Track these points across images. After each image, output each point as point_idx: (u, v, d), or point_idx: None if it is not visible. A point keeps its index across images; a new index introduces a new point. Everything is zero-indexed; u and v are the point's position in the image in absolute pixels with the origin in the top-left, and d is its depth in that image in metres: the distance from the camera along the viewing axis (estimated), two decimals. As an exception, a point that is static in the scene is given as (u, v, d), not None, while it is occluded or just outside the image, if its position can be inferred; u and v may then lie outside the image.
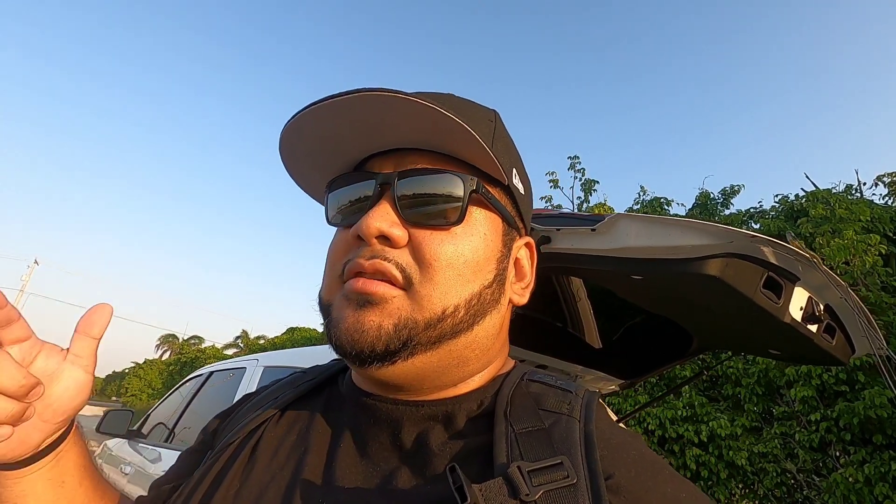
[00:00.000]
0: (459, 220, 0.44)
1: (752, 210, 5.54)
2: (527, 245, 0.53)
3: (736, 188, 5.78)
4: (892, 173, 4.58)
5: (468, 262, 0.44)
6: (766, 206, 5.42)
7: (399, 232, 0.43)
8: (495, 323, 0.48)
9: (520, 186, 0.51)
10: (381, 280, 0.42)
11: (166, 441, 2.82)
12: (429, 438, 0.43)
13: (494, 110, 0.53)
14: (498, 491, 0.35)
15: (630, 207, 6.61)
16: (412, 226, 0.44)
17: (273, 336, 12.40)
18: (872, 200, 4.68)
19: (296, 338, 11.22)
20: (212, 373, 2.96)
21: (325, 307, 0.46)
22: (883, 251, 3.71)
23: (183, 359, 15.42)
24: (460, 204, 0.45)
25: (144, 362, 29.91)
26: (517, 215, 0.52)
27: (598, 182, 6.95)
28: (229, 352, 21.42)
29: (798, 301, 1.18)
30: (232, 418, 0.57)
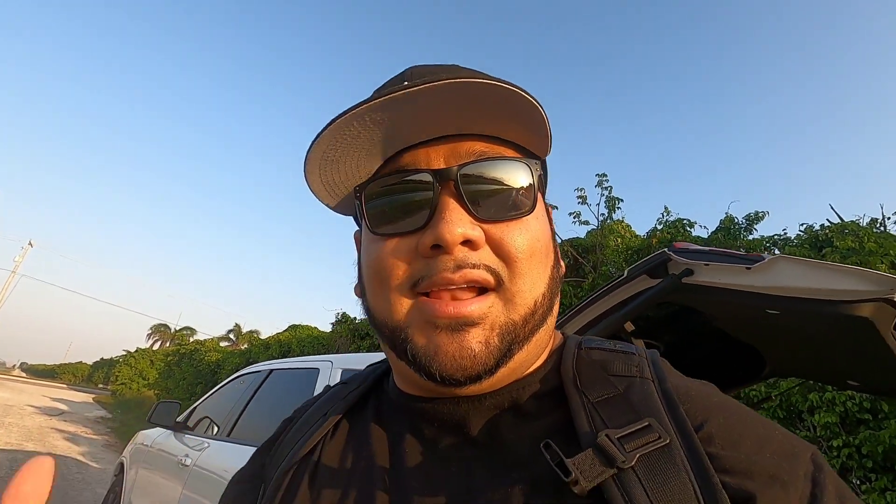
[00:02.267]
0: (532, 209, 0.42)
1: (775, 237, 5.66)
2: (548, 213, 0.50)
3: (760, 214, 5.90)
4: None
5: (542, 248, 0.43)
6: (791, 235, 5.55)
7: (479, 233, 0.40)
8: (558, 299, 0.46)
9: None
10: (472, 291, 0.40)
11: (222, 435, 2.85)
12: (499, 428, 0.41)
13: None
14: (591, 462, 0.34)
15: (654, 228, 6.72)
16: (485, 222, 0.40)
17: (276, 332, 12.38)
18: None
19: (300, 336, 11.18)
20: (272, 371, 3.00)
21: (396, 328, 0.41)
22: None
23: (182, 350, 15.33)
24: (532, 192, 0.42)
25: (136, 351, 29.56)
26: (545, 185, 0.49)
27: (622, 200, 7.08)
28: (222, 345, 21.30)
29: (911, 340, 1.28)
30: (279, 445, 0.53)
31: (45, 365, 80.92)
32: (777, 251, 5.75)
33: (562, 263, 0.48)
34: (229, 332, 33.89)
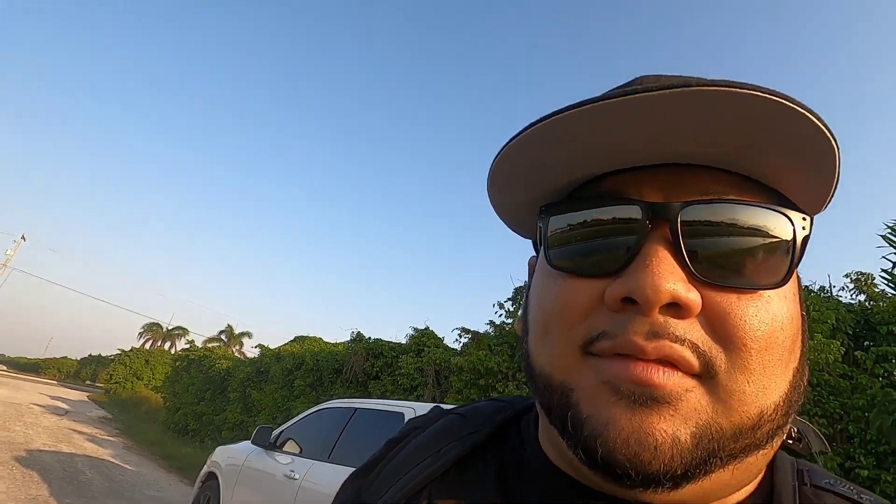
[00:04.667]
0: (784, 282, 0.30)
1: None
2: (800, 292, 0.36)
3: (732, 274, 6.98)
4: (855, 272, 5.86)
5: (787, 339, 0.30)
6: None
7: (696, 296, 0.29)
8: (791, 418, 0.32)
9: None
10: (668, 366, 0.28)
11: (314, 456, 3.63)
12: None
13: None
14: None
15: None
16: (707, 285, 0.29)
17: (286, 343, 12.88)
18: (840, 300, 5.88)
19: (313, 349, 11.68)
20: (356, 410, 3.69)
21: (557, 387, 0.32)
22: (843, 351, 4.96)
23: (191, 356, 15.94)
24: (788, 257, 0.30)
25: (131, 350, 29.88)
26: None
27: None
28: (211, 345, 21.54)
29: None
30: (380, 472, 0.44)
31: (26, 358, 79.48)
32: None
33: (807, 369, 0.35)
34: (221, 332, 34.25)
